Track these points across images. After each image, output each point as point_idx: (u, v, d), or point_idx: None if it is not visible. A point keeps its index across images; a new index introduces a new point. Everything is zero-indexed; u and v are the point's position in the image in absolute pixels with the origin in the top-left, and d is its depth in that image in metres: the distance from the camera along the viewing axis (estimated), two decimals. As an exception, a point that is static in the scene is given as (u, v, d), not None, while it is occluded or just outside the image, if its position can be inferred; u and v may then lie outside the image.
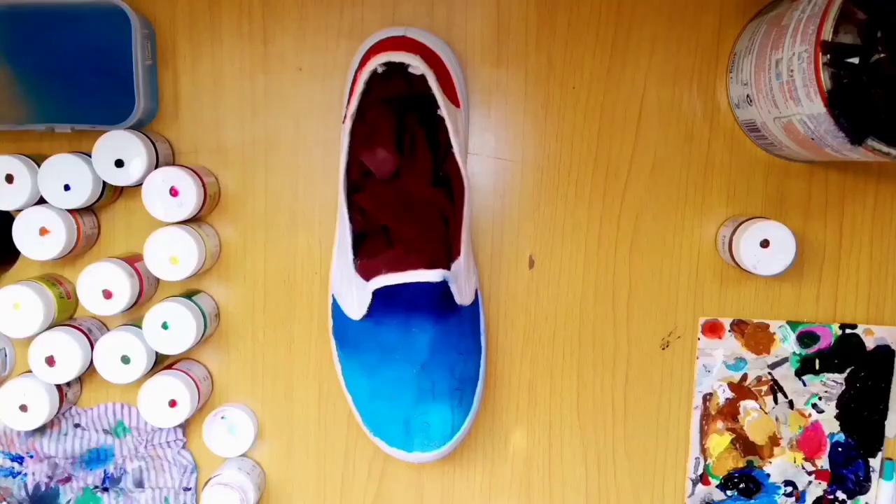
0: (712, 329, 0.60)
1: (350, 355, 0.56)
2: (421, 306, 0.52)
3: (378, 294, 0.51)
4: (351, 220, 0.53)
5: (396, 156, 0.55)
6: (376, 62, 0.51)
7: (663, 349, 0.61)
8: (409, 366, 0.53)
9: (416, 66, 0.51)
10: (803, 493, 0.61)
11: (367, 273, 0.53)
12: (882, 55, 0.43)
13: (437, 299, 0.52)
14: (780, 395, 0.60)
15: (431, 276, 0.50)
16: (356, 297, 0.53)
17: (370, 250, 0.55)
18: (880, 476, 0.60)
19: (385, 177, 0.55)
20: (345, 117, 0.54)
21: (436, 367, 0.53)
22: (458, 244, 0.54)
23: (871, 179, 0.58)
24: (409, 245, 0.55)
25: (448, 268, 0.53)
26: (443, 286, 0.51)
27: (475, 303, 0.57)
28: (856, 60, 0.43)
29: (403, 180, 0.56)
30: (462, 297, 0.54)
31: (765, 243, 0.55)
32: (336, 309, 0.56)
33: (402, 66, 0.52)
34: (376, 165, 0.55)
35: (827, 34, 0.43)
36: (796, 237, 0.55)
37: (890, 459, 0.60)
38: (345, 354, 0.56)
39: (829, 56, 0.44)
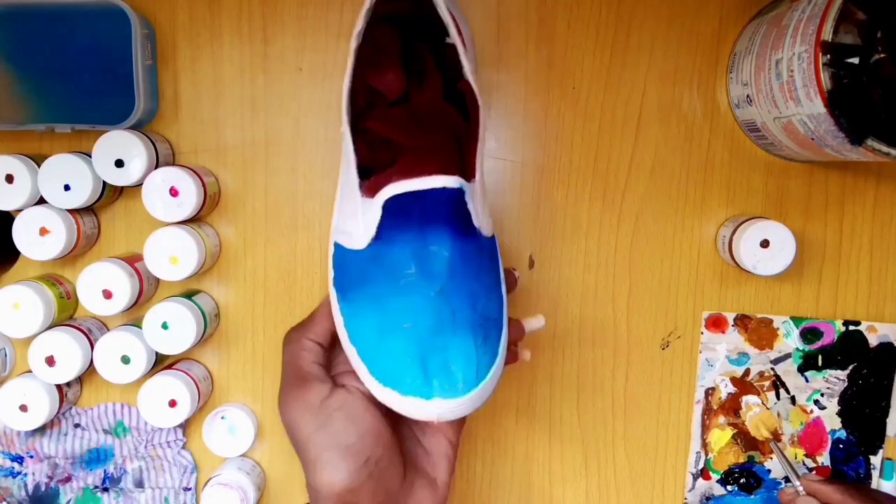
0: (716, 323, 0.60)
1: (354, 298, 0.47)
2: (437, 217, 0.45)
3: (389, 207, 0.44)
4: (356, 150, 0.48)
5: (404, 76, 0.51)
6: None
7: (663, 349, 0.61)
8: (425, 289, 0.45)
9: None
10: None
11: (375, 190, 0.46)
12: (882, 55, 0.43)
13: (455, 211, 0.45)
14: (782, 391, 0.61)
15: (449, 181, 0.44)
16: (362, 222, 0.46)
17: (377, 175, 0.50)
18: (880, 475, 0.61)
19: (394, 97, 0.51)
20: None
21: (455, 293, 0.45)
22: (474, 165, 0.48)
23: (871, 179, 0.59)
24: (422, 154, 0.49)
25: (464, 175, 0.47)
26: (460, 195, 0.45)
27: (493, 239, 0.51)
28: (856, 60, 0.44)
29: (413, 101, 0.52)
30: (479, 220, 0.47)
31: (765, 243, 0.55)
32: (338, 254, 0.49)
33: None
34: (385, 86, 0.51)
35: (827, 34, 0.44)
36: (796, 237, 0.55)
37: (890, 459, 0.61)
38: (348, 303, 0.47)
39: (829, 56, 0.44)
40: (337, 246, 0.49)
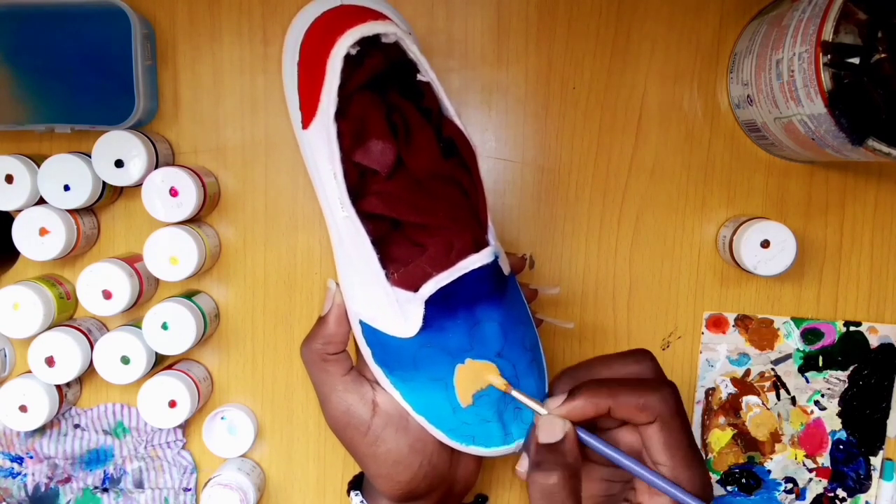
0: (716, 324, 0.60)
1: (410, 377, 0.48)
2: (482, 294, 0.46)
3: (432, 300, 0.45)
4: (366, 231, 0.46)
5: (394, 143, 0.48)
6: (344, 45, 0.43)
7: (664, 349, 0.61)
8: (485, 358, 0.47)
9: (392, 32, 0.44)
10: (804, 489, 0.61)
11: (410, 282, 0.45)
12: (883, 55, 0.43)
13: (494, 279, 0.46)
14: (782, 392, 0.61)
15: (484, 257, 0.44)
16: (400, 312, 0.46)
17: (395, 257, 0.48)
18: (880, 476, 0.60)
19: (388, 170, 0.48)
20: (306, 122, 0.47)
21: (511, 349, 0.47)
22: (485, 211, 0.47)
23: (872, 179, 0.59)
24: (445, 233, 0.47)
25: (488, 241, 0.47)
26: (495, 263, 0.45)
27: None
28: (856, 60, 0.44)
29: (410, 165, 0.48)
30: (505, 266, 0.48)
31: (765, 244, 0.55)
32: (370, 333, 0.48)
33: (375, 39, 0.44)
34: (375, 161, 0.47)
35: (827, 34, 0.44)
36: (797, 237, 0.55)
37: (890, 460, 0.60)
38: (401, 378, 0.48)
39: (829, 56, 0.44)
40: (366, 326, 0.48)
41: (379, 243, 0.46)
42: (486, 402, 0.47)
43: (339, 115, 0.45)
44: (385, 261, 0.46)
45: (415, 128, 0.48)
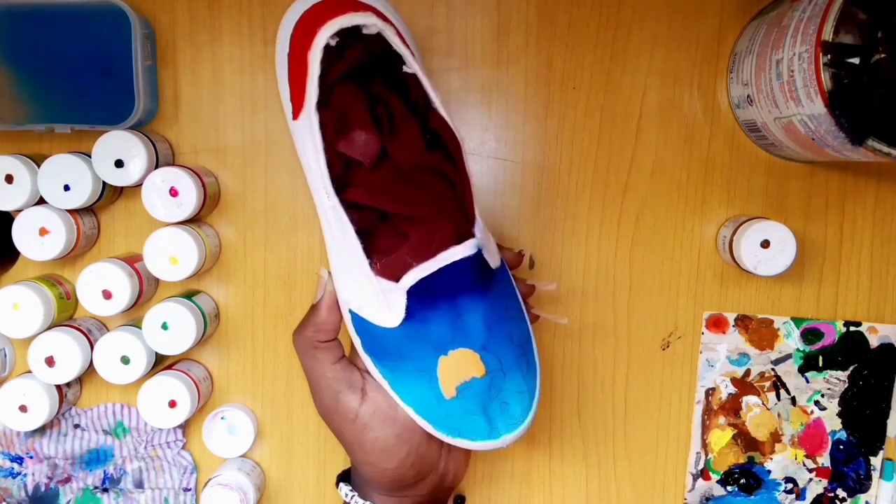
0: (716, 324, 0.60)
1: (396, 367, 0.48)
2: (464, 285, 0.46)
3: (414, 291, 0.45)
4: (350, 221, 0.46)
5: (377, 134, 0.48)
6: (324, 36, 0.44)
7: (664, 349, 0.61)
8: (467, 349, 0.47)
9: (372, 23, 0.44)
10: (804, 490, 0.61)
11: (392, 272, 0.46)
12: (883, 55, 0.43)
13: (477, 272, 0.46)
14: (782, 392, 0.61)
15: (466, 249, 0.45)
16: (385, 302, 0.46)
17: (381, 247, 0.48)
18: (880, 476, 0.60)
19: (372, 160, 0.48)
20: (296, 112, 0.47)
21: (496, 343, 0.47)
22: (472, 203, 0.47)
23: (872, 179, 0.59)
24: (428, 224, 0.48)
25: (473, 234, 0.46)
26: (478, 255, 0.45)
27: (502, 263, 0.51)
28: (856, 60, 0.44)
29: (394, 157, 0.49)
30: (492, 259, 0.48)
31: (765, 244, 0.55)
32: (358, 323, 0.49)
33: (356, 31, 0.45)
34: (358, 151, 0.48)
35: (827, 34, 0.44)
36: (797, 237, 0.55)
37: (890, 460, 0.60)
38: (388, 368, 0.49)
39: (829, 56, 0.44)
40: (355, 315, 0.49)
41: (366, 233, 0.47)
42: (470, 395, 0.47)
43: (322, 106, 0.46)
44: (371, 251, 0.47)
45: (399, 119, 0.49)
